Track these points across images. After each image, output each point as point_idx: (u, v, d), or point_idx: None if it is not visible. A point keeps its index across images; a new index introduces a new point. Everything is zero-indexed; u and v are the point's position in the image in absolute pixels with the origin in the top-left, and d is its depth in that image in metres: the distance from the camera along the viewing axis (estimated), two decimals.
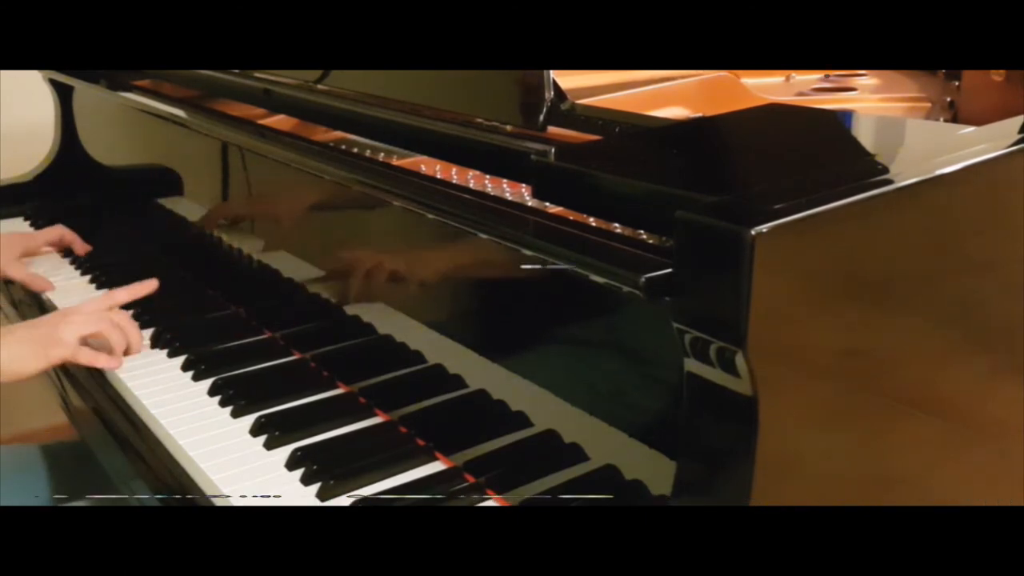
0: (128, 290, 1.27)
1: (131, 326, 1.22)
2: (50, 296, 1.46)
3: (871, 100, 1.25)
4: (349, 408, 1.08)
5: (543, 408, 0.88)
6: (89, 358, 1.16)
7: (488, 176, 0.98)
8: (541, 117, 0.93)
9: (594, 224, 0.81)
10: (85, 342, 1.17)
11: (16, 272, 1.51)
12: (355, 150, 1.13)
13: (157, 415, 1.09)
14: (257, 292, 1.35)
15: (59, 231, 1.61)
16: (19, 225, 1.79)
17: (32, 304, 1.48)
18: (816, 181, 0.68)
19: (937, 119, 1.17)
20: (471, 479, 0.94)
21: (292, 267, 1.25)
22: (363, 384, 1.11)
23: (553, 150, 0.84)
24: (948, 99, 1.17)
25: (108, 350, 1.19)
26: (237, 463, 0.99)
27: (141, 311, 1.32)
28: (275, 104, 1.34)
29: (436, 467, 0.97)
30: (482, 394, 0.95)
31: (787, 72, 1.35)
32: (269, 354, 1.21)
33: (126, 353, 1.20)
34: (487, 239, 0.88)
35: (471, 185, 0.96)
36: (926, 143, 0.87)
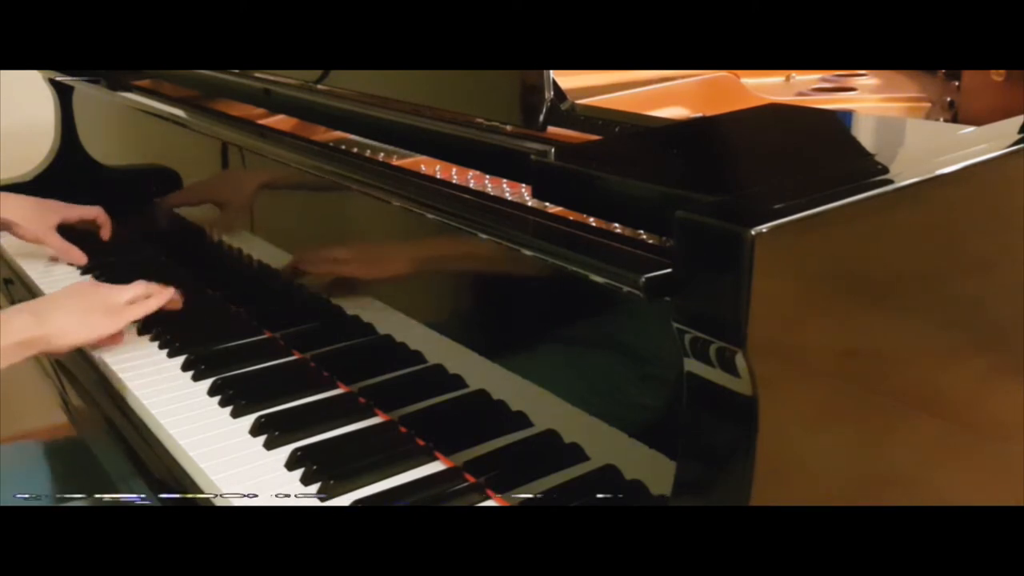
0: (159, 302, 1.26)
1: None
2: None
3: (871, 100, 1.25)
4: (349, 408, 1.08)
5: (543, 408, 0.88)
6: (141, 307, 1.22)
7: (488, 176, 0.98)
8: (541, 117, 0.93)
9: (594, 224, 0.81)
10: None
11: (51, 240, 1.50)
12: (355, 150, 1.13)
13: (157, 415, 1.09)
14: (257, 292, 1.35)
15: (97, 211, 1.59)
16: None
17: None
18: (816, 181, 0.68)
19: (937, 119, 1.17)
20: (471, 479, 0.94)
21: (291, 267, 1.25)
22: (363, 384, 1.11)
23: (553, 150, 0.84)
24: (948, 99, 1.17)
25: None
26: (237, 463, 0.99)
27: None
28: (275, 104, 1.34)
29: (436, 467, 0.97)
30: (482, 394, 0.94)
31: (787, 72, 1.35)
32: (269, 354, 1.21)
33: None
34: (487, 239, 0.88)
35: (471, 185, 0.96)
36: (926, 143, 0.87)
